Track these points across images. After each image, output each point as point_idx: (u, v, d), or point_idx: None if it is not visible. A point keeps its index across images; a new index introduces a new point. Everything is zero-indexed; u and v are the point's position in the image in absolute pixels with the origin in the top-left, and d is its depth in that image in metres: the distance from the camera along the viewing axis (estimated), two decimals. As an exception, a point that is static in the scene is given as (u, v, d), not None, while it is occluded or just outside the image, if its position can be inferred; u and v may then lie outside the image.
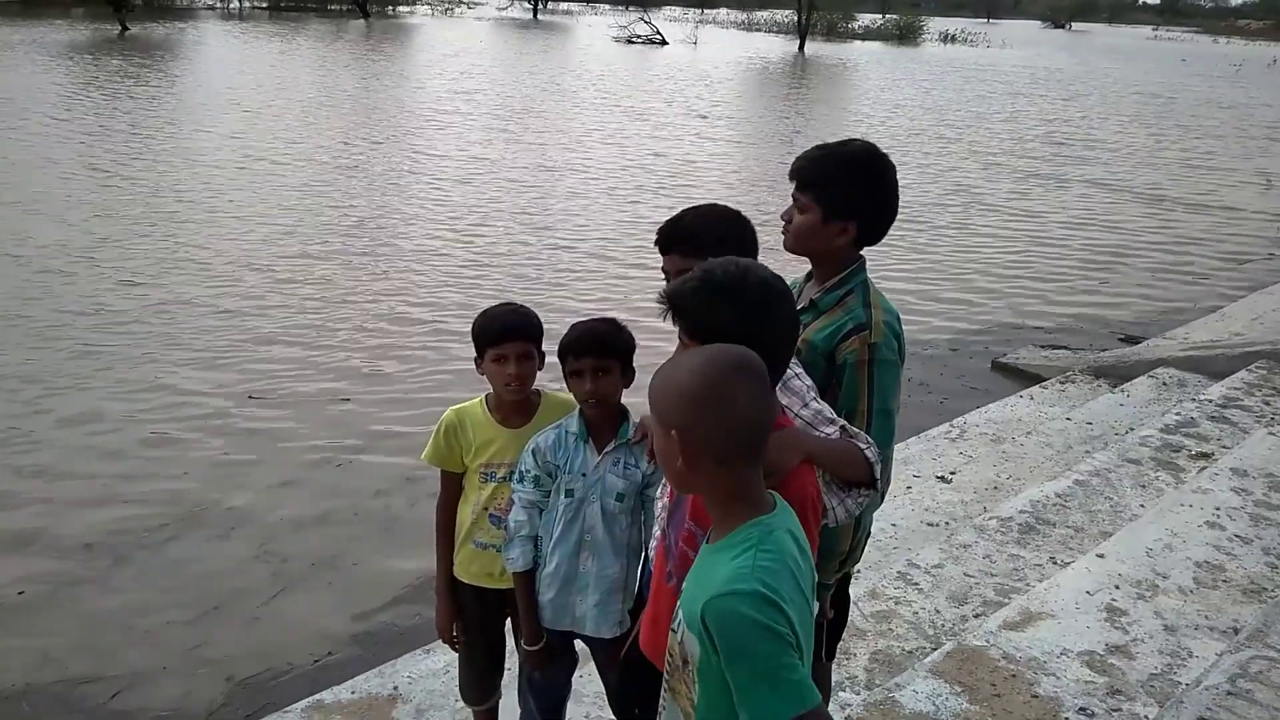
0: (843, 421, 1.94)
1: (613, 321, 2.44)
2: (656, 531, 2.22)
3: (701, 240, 2.11)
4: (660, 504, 2.19)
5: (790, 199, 2.27)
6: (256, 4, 63.89)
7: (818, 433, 1.89)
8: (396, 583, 4.52)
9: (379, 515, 5.11)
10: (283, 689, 3.84)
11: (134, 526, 4.89)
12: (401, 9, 71.07)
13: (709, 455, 1.49)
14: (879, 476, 1.95)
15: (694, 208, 2.26)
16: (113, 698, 3.79)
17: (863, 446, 1.91)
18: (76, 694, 3.81)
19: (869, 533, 2.35)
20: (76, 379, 6.51)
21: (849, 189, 2.17)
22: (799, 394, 1.93)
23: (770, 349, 1.64)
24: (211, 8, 60.59)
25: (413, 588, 4.47)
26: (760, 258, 2.13)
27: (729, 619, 1.41)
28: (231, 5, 62.31)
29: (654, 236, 2.27)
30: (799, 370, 1.99)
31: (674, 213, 2.28)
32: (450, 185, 12.95)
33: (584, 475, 2.41)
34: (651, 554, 2.29)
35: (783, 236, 2.27)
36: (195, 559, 4.68)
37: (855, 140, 2.25)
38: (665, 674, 1.65)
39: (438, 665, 3.57)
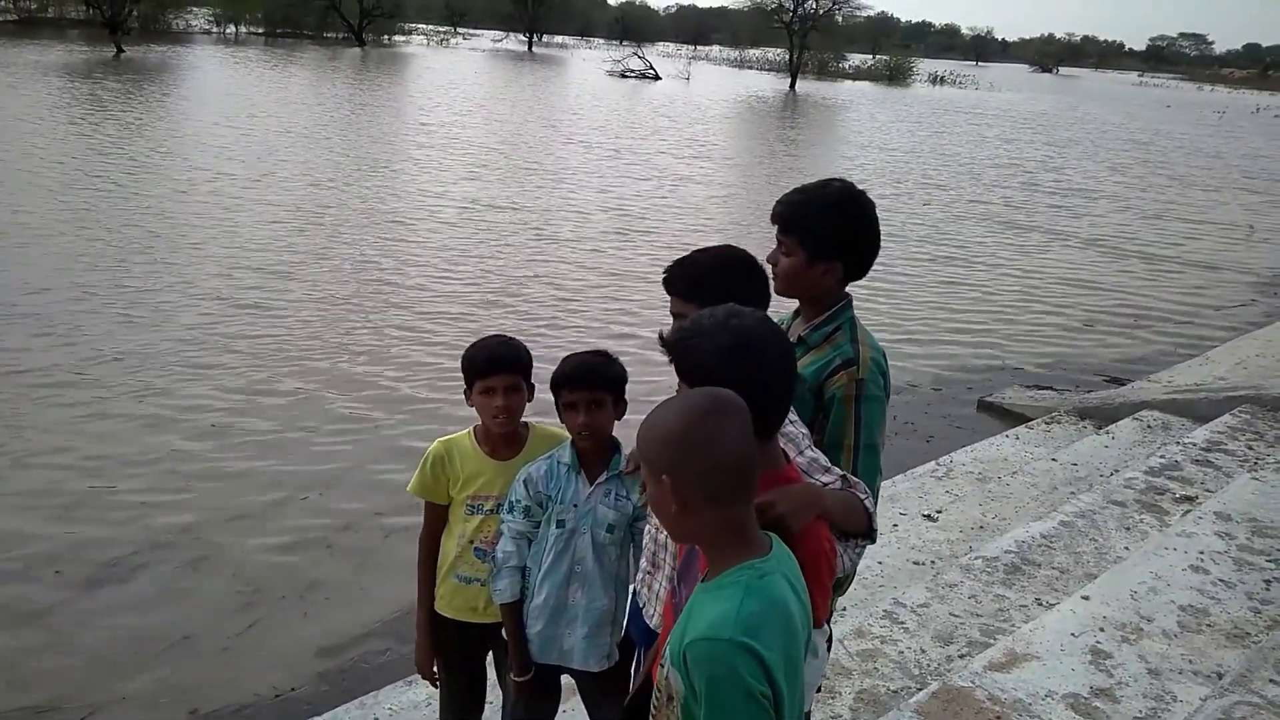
0: (840, 471, 1.95)
1: (605, 354, 2.46)
2: (644, 564, 2.22)
3: (698, 285, 2.12)
4: (649, 537, 2.19)
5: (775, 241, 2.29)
6: (252, 29, 64.32)
7: (815, 480, 1.89)
8: (368, 618, 4.46)
9: (352, 549, 5.06)
10: (244, 722, 3.81)
11: (104, 554, 4.82)
12: (397, 38, 71.66)
13: (700, 497, 1.50)
14: (875, 527, 1.96)
15: (703, 250, 2.24)
16: (71, 727, 3.74)
17: (862, 497, 1.93)
18: (34, 723, 3.75)
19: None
20: (46, 404, 6.43)
21: (831, 231, 2.20)
22: (794, 441, 1.94)
23: (755, 393, 1.62)
24: (207, 32, 61.05)
25: (384, 623, 4.42)
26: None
27: (705, 665, 1.42)
28: (227, 30, 62.74)
29: (643, 275, 2.28)
30: (794, 418, 2.00)
31: (667, 252, 2.29)
32: (436, 224, 12.65)
33: (575, 506, 2.41)
34: (637, 587, 2.28)
35: (771, 280, 2.29)
36: (165, 588, 4.62)
37: (834, 181, 2.27)
38: (652, 707, 1.65)
39: (419, 697, 3.54)
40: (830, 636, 2.43)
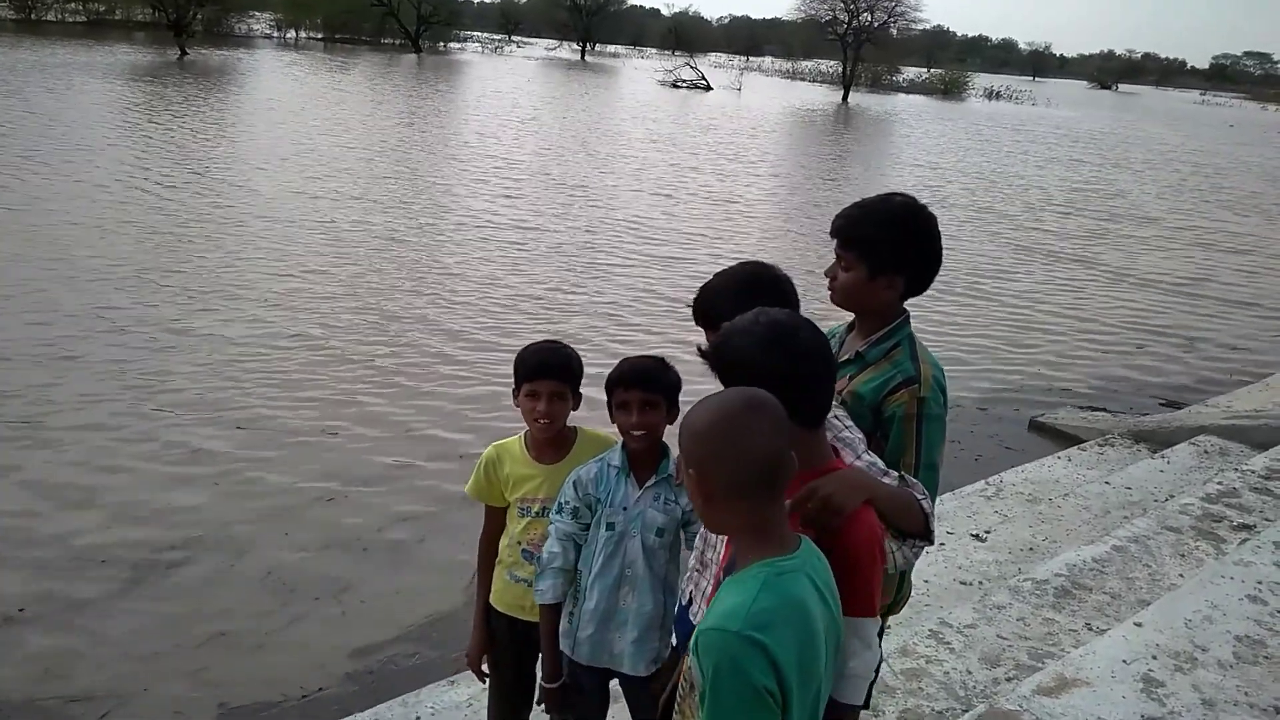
0: (897, 472, 1.95)
1: (662, 360, 2.49)
2: (692, 562, 2.21)
3: (711, 313, 2.15)
4: (700, 536, 2.19)
5: (834, 255, 2.27)
6: (312, 35, 65.47)
7: None
8: (400, 621, 4.48)
9: (386, 551, 5.08)
10: (271, 720, 3.86)
11: (147, 549, 4.90)
12: (452, 45, 72.52)
13: (726, 490, 1.56)
14: (933, 528, 1.95)
15: (716, 275, 2.26)
16: (100, 718, 3.79)
17: (919, 496, 1.92)
18: (65, 711, 3.81)
19: (912, 583, 2.34)
20: (91, 399, 6.54)
21: (893, 245, 2.18)
22: (851, 446, 1.94)
23: (795, 380, 1.72)
24: (268, 36, 62.29)
25: (416, 627, 4.44)
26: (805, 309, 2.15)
27: (711, 654, 1.46)
28: (287, 35, 63.92)
29: (690, 288, 2.30)
30: (849, 423, 2.01)
31: (717, 269, 2.28)
32: (475, 244, 12.28)
33: (625, 509, 2.43)
34: (684, 585, 2.28)
35: (829, 292, 2.28)
36: (202, 585, 4.67)
37: (895, 195, 2.25)
38: (677, 697, 1.68)
39: (460, 698, 3.57)
40: (882, 631, 2.39)
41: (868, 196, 2.27)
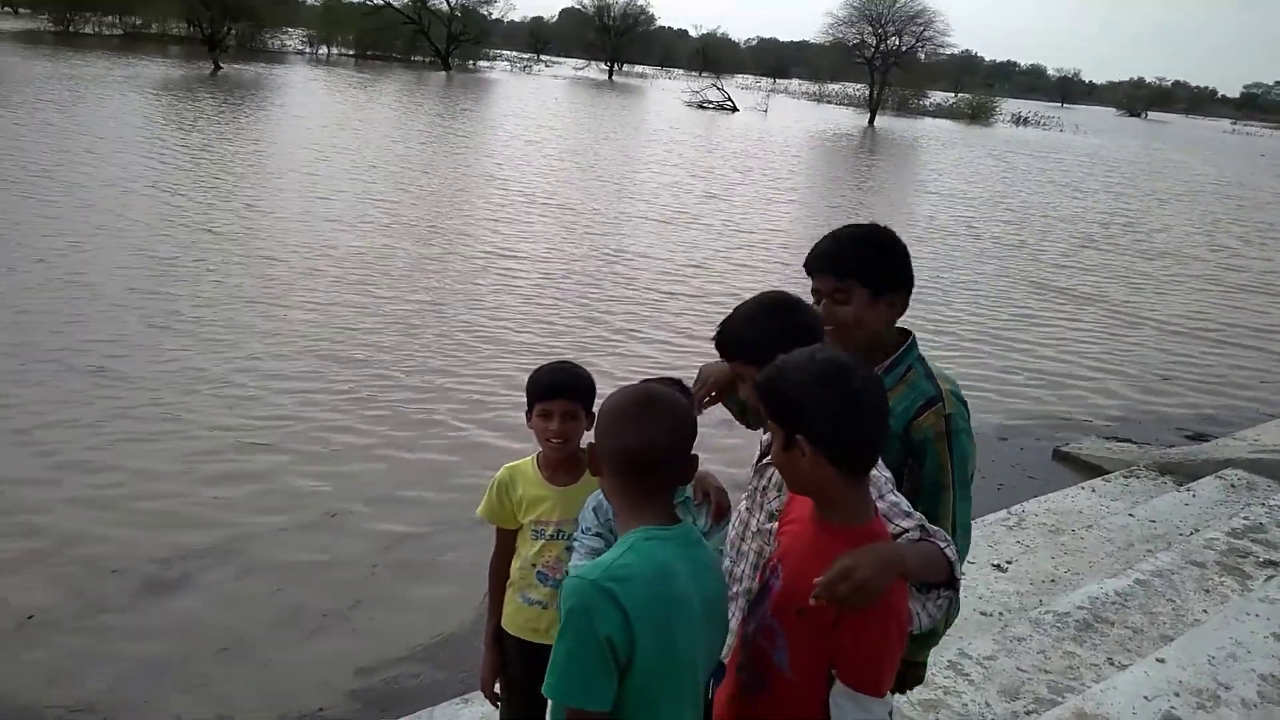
0: (919, 517, 1.89)
1: (679, 383, 2.46)
2: (726, 564, 2.19)
3: (740, 343, 2.12)
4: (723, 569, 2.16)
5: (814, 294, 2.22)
6: (343, 51, 66.30)
7: (894, 525, 1.85)
8: (406, 642, 4.45)
9: (395, 569, 5.05)
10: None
11: (158, 561, 4.90)
12: (481, 64, 73.23)
13: (605, 463, 1.76)
14: (959, 576, 1.89)
15: (739, 306, 2.21)
16: (97, 729, 3.79)
17: (942, 545, 1.86)
18: (66, 720, 3.82)
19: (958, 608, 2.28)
20: (100, 415, 6.52)
21: (890, 263, 2.19)
22: (876, 485, 1.88)
23: (846, 422, 1.69)
24: (300, 52, 63.15)
25: (423, 647, 4.42)
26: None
27: (567, 599, 1.60)
28: (319, 51, 64.77)
29: (703, 317, 2.28)
30: (878, 463, 1.96)
31: (735, 301, 2.26)
32: (500, 266, 12.19)
33: None
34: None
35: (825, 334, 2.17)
36: (211, 599, 4.66)
37: (862, 223, 2.26)
38: None
39: (475, 716, 3.56)
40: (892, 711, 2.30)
41: (838, 228, 2.26)
